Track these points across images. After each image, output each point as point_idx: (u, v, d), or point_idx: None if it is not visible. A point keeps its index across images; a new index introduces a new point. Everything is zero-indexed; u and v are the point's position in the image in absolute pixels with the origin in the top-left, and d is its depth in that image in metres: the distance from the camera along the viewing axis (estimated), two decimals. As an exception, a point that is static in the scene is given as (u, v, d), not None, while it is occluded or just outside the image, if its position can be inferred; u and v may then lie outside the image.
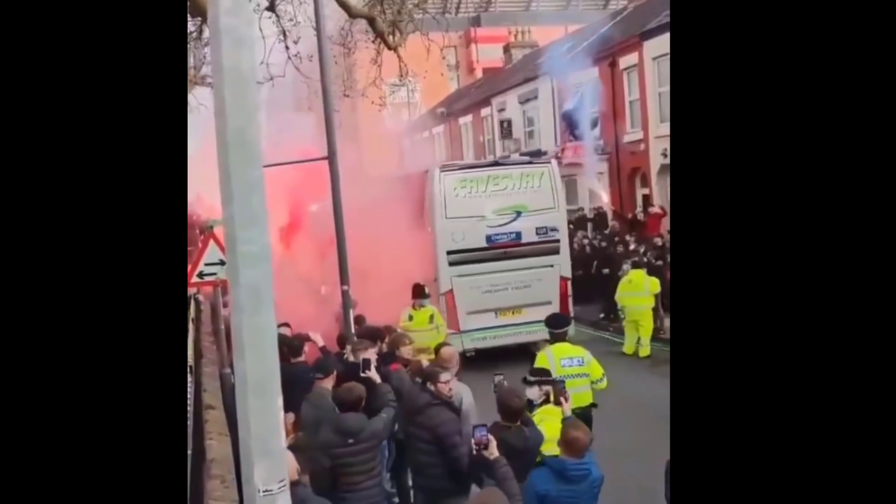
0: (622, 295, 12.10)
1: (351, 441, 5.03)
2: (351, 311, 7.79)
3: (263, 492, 2.54)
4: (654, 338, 12.04)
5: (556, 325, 6.86)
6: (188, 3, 9.10)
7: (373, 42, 12.82)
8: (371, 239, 9.70)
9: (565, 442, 4.24)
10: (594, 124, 20.86)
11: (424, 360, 6.54)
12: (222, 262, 6.99)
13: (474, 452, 4.40)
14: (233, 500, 4.42)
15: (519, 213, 11.32)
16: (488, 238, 11.22)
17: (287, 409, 3.28)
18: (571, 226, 20.05)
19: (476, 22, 37.34)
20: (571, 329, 8.92)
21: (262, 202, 2.54)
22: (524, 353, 10.74)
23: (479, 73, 36.42)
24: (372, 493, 5.14)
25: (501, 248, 11.22)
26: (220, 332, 8.17)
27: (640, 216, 17.90)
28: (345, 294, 7.77)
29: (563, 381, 5.46)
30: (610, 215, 19.39)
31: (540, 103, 24.09)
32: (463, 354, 7.58)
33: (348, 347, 6.96)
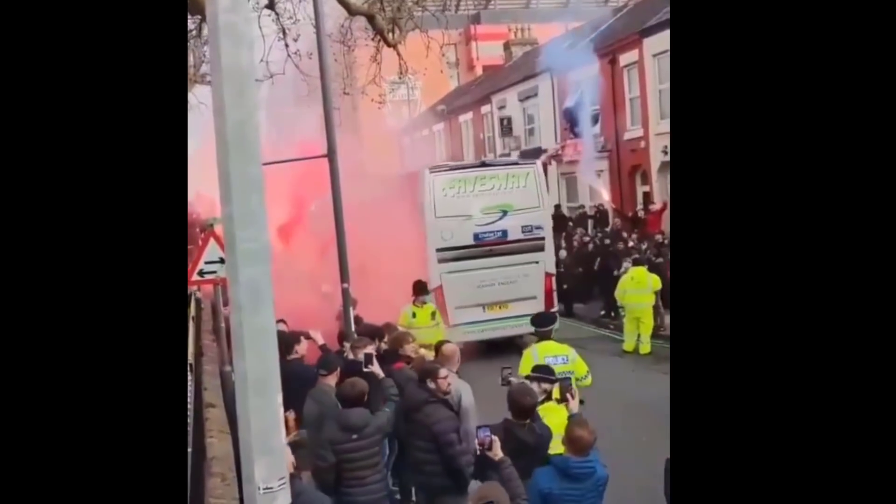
0: (624, 292, 12.14)
1: (355, 436, 5.05)
2: (351, 309, 7.78)
3: (264, 489, 2.54)
4: (655, 335, 12.05)
5: (542, 324, 6.99)
6: (188, 1, 9.09)
7: (372, 39, 12.82)
8: (370, 237, 9.71)
9: (569, 440, 4.22)
10: (594, 121, 20.86)
11: (429, 356, 6.53)
12: (222, 261, 6.99)
13: (477, 453, 4.40)
14: (233, 498, 4.42)
15: (505, 212, 11.79)
16: (476, 236, 11.68)
17: (284, 407, 3.29)
18: (572, 223, 20.11)
19: (476, 19, 37.29)
20: (557, 324, 9.06)
21: (262, 200, 2.54)
22: (511, 346, 11.06)
23: (479, 71, 36.39)
24: (377, 488, 5.17)
25: (488, 246, 11.69)
26: (220, 330, 8.18)
27: (641, 213, 17.89)
28: (345, 292, 7.76)
29: (570, 378, 5.45)
30: (611, 213, 19.39)
31: (540, 101, 24.07)
32: None
33: (347, 345, 6.96)
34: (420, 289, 9.69)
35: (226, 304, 7.33)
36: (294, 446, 4.08)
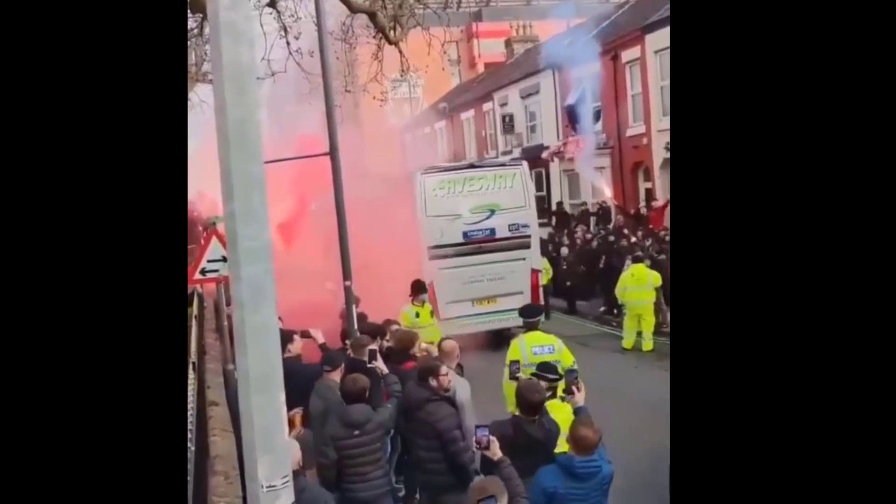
0: (624, 289, 12.17)
1: (356, 432, 5.06)
2: (354, 307, 7.78)
3: (267, 487, 2.54)
4: (657, 332, 12.06)
5: (529, 315, 7.22)
6: (188, 0, 9.10)
7: (374, 37, 12.82)
8: (372, 234, 9.73)
9: (574, 440, 4.19)
10: (596, 118, 20.84)
11: (436, 353, 6.55)
12: (225, 259, 6.98)
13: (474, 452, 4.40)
14: (237, 497, 4.43)
15: (493, 212, 12.32)
16: (465, 234, 12.19)
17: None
18: (574, 221, 20.10)
19: (477, 17, 37.26)
20: (543, 316, 9.30)
21: (263, 198, 2.54)
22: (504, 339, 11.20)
23: (480, 68, 36.36)
24: (380, 483, 5.17)
25: (477, 244, 12.23)
26: (223, 328, 8.18)
27: (643, 210, 17.87)
28: (347, 290, 7.76)
29: (576, 371, 5.45)
30: (613, 210, 19.37)
31: (542, 97, 24.05)
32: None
33: (349, 343, 6.96)
34: (419, 288, 9.75)
35: (228, 302, 7.34)
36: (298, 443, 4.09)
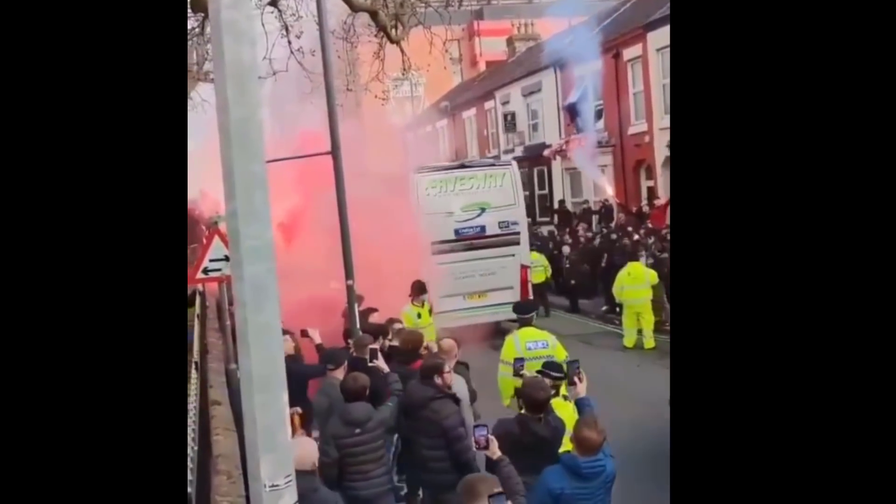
0: (621, 288, 12.24)
1: (358, 431, 5.06)
2: (356, 306, 7.78)
3: (270, 487, 2.53)
4: (659, 329, 12.05)
5: (523, 311, 7.37)
6: (190, -1, 9.10)
7: (375, 36, 12.81)
8: (372, 233, 9.75)
9: (577, 441, 4.19)
10: (598, 116, 20.82)
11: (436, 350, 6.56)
12: (227, 258, 6.98)
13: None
14: (239, 496, 4.42)
15: (483, 209, 12.77)
16: (456, 231, 12.59)
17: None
18: (576, 219, 20.08)
19: (479, 15, 37.22)
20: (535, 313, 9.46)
21: (265, 197, 2.53)
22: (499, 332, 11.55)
23: (482, 67, 36.35)
24: (381, 482, 5.18)
25: (468, 240, 12.66)
26: (225, 328, 8.18)
27: (646, 208, 17.85)
28: (349, 289, 7.76)
29: (578, 361, 5.46)
30: (615, 208, 19.35)
31: (544, 96, 24.04)
32: None
33: (351, 342, 6.97)
34: (419, 289, 9.79)
35: (231, 301, 7.34)
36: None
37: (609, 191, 19.75)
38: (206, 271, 7.38)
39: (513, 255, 12.91)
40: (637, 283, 11.99)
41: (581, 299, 15.80)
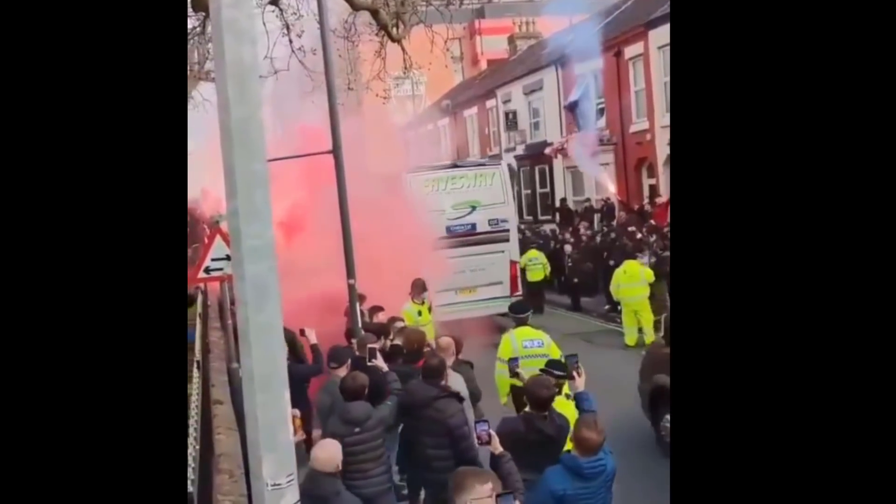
0: (618, 286, 12.29)
1: (357, 429, 5.06)
2: (358, 305, 7.78)
3: (272, 486, 2.54)
4: (659, 327, 12.05)
5: (519, 311, 7.45)
6: (191, -2, 9.10)
7: (376, 35, 12.80)
8: (373, 231, 9.76)
9: (577, 441, 4.19)
10: (600, 115, 20.80)
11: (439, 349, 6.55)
12: (229, 257, 6.98)
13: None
14: (241, 495, 4.43)
15: (474, 208, 13.20)
16: (447, 229, 12.87)
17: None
18: (578, 217, 20.07)
19: (480, 13, 37.17)
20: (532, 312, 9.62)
21: (267, 196, 2.53)
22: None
23: (483, 65, 36.31)
24: (381, 480, 5.18)
25: (459, 237, 12.96)
26: (227, 327, 8.18)
27: (647, 207, 17.84)
28: (351, 288, 7.76)
29: (576, 356, 5.47)
30: (617, 206, 19.33)
31: (545, 94, 24.02)
32: None
33: (354, 342, 6.97)
34: (421, 287, 9.80)
35: (233, 300, 7.34)
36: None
37: (611, 188, 19.73)
38: (207, 270, 7.37)
39: (502, 252, 13.31)
40: (633, 281, 12.03)
41: (583, 297, 15.79)
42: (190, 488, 3.84)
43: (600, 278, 15.32)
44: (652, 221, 16.17)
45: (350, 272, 7.76)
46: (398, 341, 7.03)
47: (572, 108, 20.46)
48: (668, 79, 17.77)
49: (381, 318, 8.07)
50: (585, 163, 19.74)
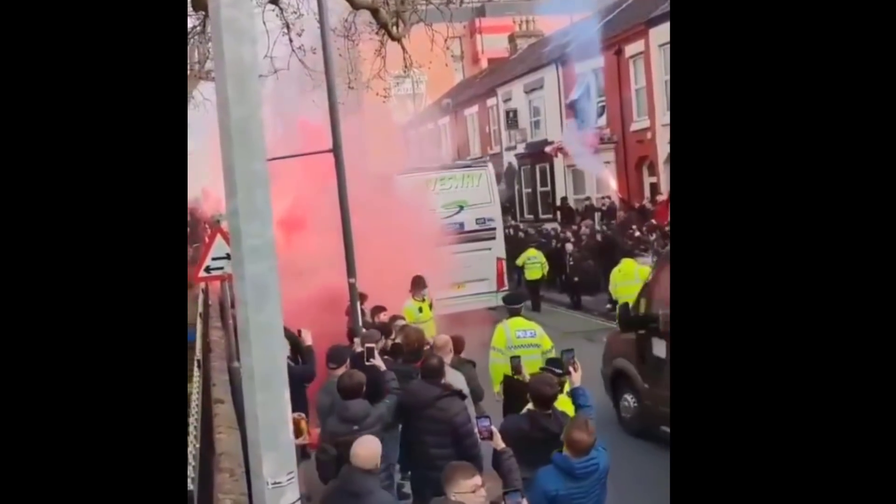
0: (615, 285, 12.45)
1: (355, 427, 5.06)
2: (359, 304, 7.78)
3: (272, 484, 2.54)
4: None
5: (513, 302, 7.75)
6: (191, -2, 9.10)
7: (376, 34, 12.78)
8: (373, 230, 9.77)
9: (569, 443, 4.19)
10: (600, 113, 20.78)
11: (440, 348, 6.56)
12: (229, 257, 6.98)
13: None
14: (242, 494, 4.43)
15: (461, 207, 13.68)
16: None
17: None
18: (579, 216, 20.06)
19: (480, 12, 37.14)
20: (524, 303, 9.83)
21: (267, 196, 2.54)
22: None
23: (484, 64, 36.27)
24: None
25: (448, 236, 13.27)
26: (228, 326, 8.18)
27: (648, 205, 17.83)
28: (352, 287, 7.76)
29: (573, 351, 5.49)
30: (618, 204, 19.32)
31: (546, 93, 24.00)
32: None
33: (357, 340, 6.97)
34: (419, 284, 9.80)
35: (233, 300, 7.34)
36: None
37: (612, 185, 19.72)
38: (208, 269, 7.37)
39: (489, 249, 13.82)
40: (627, 279, 12.06)
41: (584, 296, 15.79)
42: (190, 486, 3.85)
43: (601, 277, 15.31)
44: (653, 220, 16.16)
45: (351, 271, 7.76)
46: (399, 340, 7.04)
47: (573, 107, 20.46)
48: (668, 77, 17.76)
49: (383, 317, 8.07)
50: (586, 160, 19.72)
